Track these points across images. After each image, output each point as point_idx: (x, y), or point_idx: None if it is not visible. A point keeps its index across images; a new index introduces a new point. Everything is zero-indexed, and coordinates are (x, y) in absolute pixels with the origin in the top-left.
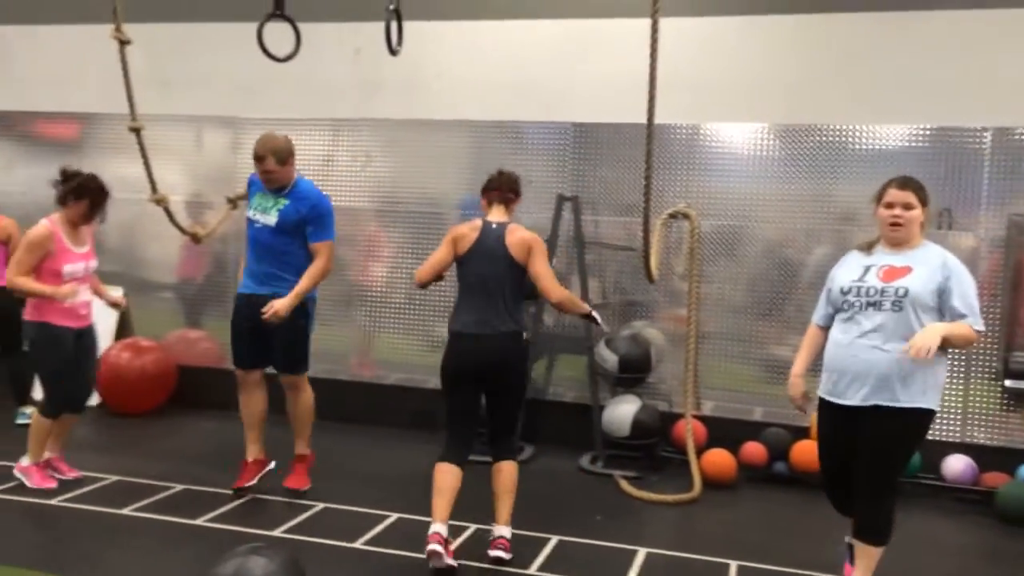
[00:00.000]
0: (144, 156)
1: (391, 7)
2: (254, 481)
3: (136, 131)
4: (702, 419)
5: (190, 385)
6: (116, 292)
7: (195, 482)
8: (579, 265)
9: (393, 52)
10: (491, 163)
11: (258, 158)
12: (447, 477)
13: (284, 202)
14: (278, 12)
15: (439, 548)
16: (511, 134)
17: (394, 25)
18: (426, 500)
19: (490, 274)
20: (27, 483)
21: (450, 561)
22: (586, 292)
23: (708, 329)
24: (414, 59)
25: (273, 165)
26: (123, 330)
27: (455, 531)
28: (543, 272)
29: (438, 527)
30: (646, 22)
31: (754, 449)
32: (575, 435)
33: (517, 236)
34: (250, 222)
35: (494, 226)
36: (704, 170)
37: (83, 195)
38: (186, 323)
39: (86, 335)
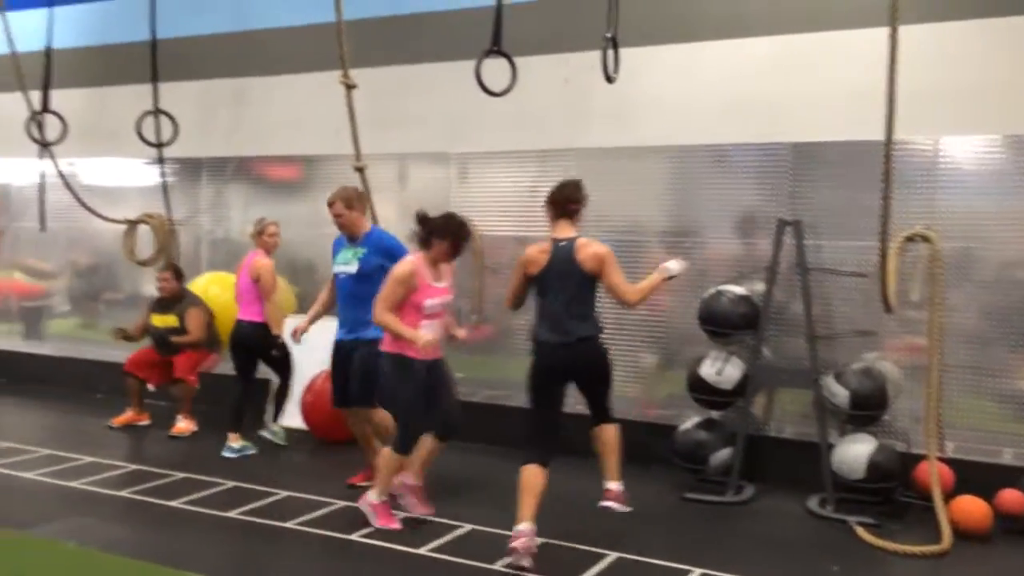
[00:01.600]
0: (366, 193)
1: (608, 35)
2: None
3: (360, 170)
4: (946, 461)
5: None
6: (461, 331)
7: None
8: (803, 293)
9: (609, 79)
10: (701, 189)
11: (329, 204)
12: (533, 478)
13: (362, 251)
14: (495, 48)
15: (519, 546)
16: (722, 158)
17: (610, 53)
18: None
19: (564, 291)
20: (373, 522)
21: (525, 563)
22: (810, 320)
23: (949, 361)
24: (623, 86)
25: (341, 209)
26: None
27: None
28: (617, 283)
29: (524, 526)
30: (873, 32)
31: (1013, 497)
32: (799, 475)
33: (589, 251)
34: (336, 276)
35: (562, 244)
36: (942, 188)
37: (444, 235)
38: None
39: (437, 366)
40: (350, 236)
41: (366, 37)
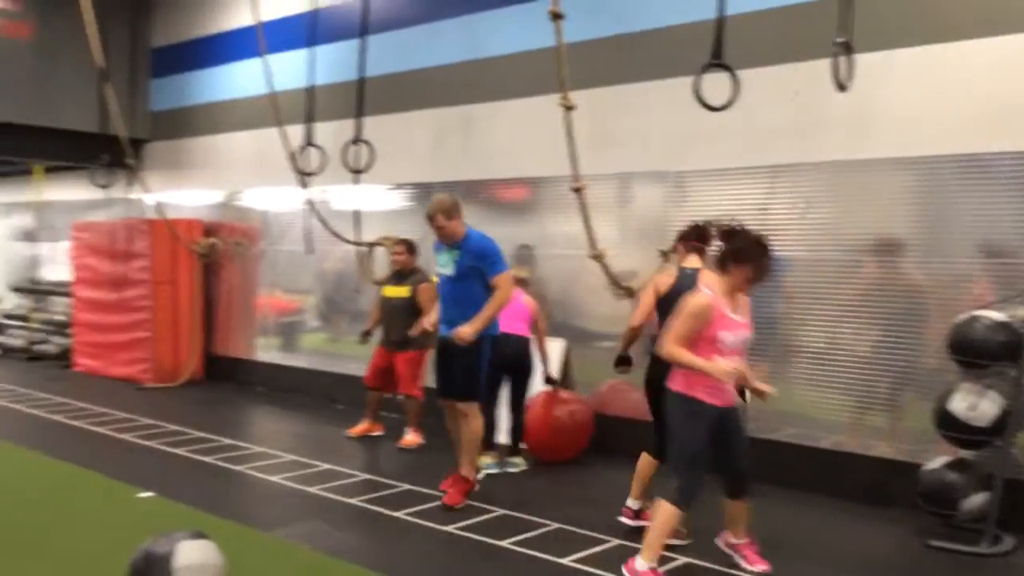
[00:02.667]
0: (584, 214)
1: (839, 40)
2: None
3: (578, 191)
4: None
5: (608, 435)
6: (766, 386)
7: (627, 538)
8: None
9: (842, 88)
10: (950, 203)
11: (429, 217)
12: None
13: (458, 253)
14: (716, 61)
15: (624, 519)
16: (976, 168)
17: (843, 59)
18: None
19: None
20: None
21: (626, 520)
22: None
23: None
24: (859, 95)
25: (442, 221)
26: (565, 379)
27: None
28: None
29: (630, 502)
30: None
31: None
32: None
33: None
34: (439, 277)
35: (688, 272)
36: None
37: (746, 260)
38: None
39: (731, 415)
40: (450, 243)
41: (587, 58)
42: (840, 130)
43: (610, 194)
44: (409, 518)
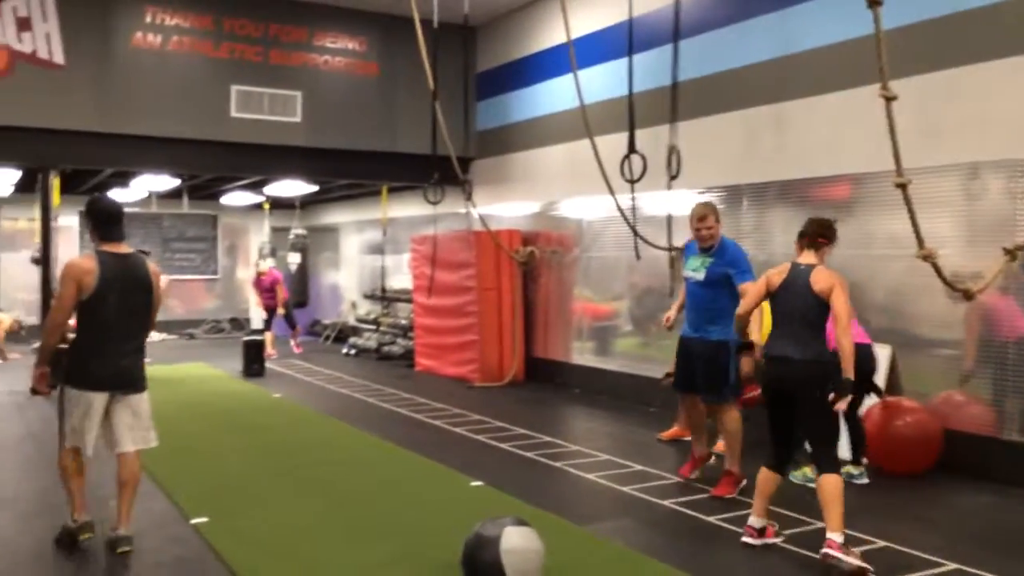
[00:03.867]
0: (910, 211)
1: None
2: (695, 473)
3: (902, 186)
4: None
5: (960, 452)
6: None
7: (967, 562)
8: None
9: None
10: None
11: (701, 217)
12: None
13: (710, 260)
14: None
15: (749, 539)
16: None
17: None
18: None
19: (795, 307)
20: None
21: (751, 540)
22: None
23: None
24: None
25: (713, 222)
26: (891, 387)
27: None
28: (839, 305)
29: (752, 520)
30: None
31: None
32: None
33: (822, 275)
34: (687, 279)
35: (802, 267)
36: None
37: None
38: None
39: None
40: (705, 246)
41: (910, 43)
42: None
43: (944, 187)
44: (721, 523)
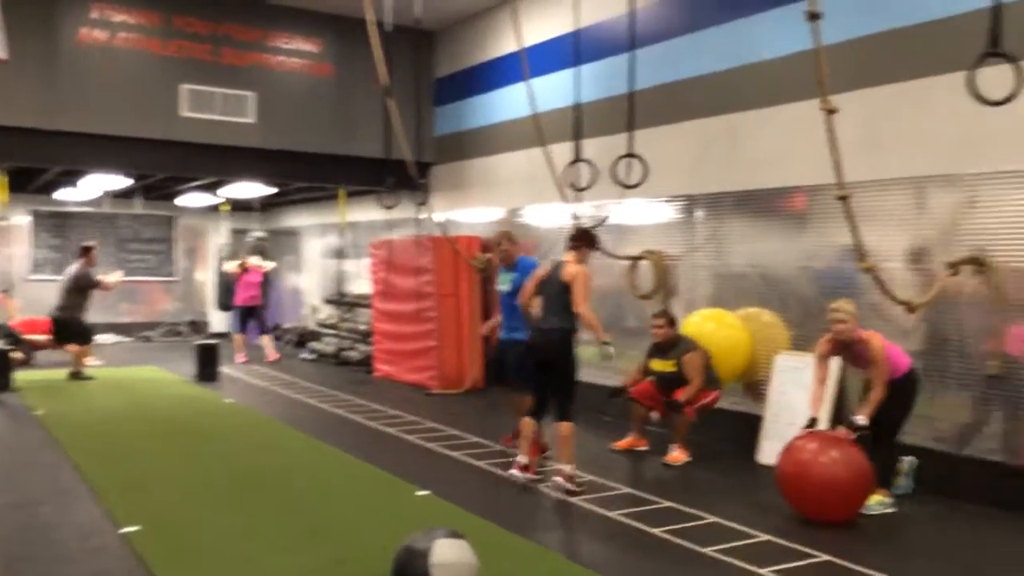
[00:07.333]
0: (851, 223)
1: None
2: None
3: (843, 199)
4: None
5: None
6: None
7: None
8: None
9: None
10: None
11: (498, 243)
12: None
13: (514, 274)
14: (994, 51)
15: (516, 472)
16: None
17: None
18: None
19: (550, 295)
20: None
21: (518, 474)
22: None
23: None
24: None
25: (508, 245)
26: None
27: None
28: (577, 292)
29: (520, 458)
30: None
31: None
32: None
33: (570, 269)
34: (499, 292)
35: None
36: None
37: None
38: None
39: None
40: (507, 265)
41: (856, 57)
42: None
43: (887, 202)
44: (667, 536)
